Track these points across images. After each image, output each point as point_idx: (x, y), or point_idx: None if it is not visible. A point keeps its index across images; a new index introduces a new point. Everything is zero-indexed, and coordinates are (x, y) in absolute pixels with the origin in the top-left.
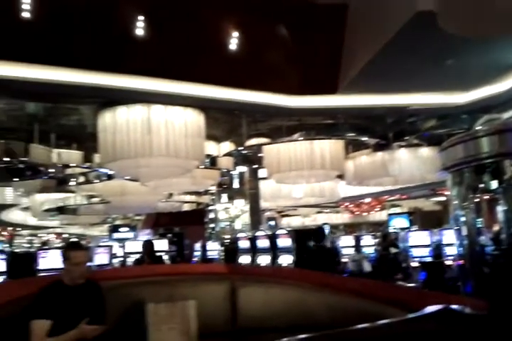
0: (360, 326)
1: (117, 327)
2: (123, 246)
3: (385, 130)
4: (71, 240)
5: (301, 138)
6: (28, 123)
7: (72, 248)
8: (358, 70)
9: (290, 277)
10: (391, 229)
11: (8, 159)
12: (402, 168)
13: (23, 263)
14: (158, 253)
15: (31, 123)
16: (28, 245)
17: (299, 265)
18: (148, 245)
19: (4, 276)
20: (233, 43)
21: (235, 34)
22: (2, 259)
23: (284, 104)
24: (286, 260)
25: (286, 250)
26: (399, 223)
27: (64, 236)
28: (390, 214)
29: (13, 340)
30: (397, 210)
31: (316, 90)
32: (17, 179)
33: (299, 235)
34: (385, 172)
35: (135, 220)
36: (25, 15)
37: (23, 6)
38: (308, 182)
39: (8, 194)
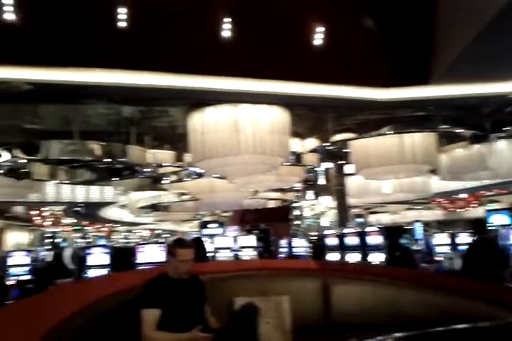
0: (461, 326)
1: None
2: (212, 242)
3: (482, 121)
4: (178, 237)
5: (391, 132)
6: (124, 126)
7: (179, 245)
8: (452, 58)
9: (384, 275)
10: (490, 227)
11: (108, 160)
12: (501, 160)
13: (122, 257)
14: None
15: (128, 126)
16: (124, 240)
17: (391, 263)
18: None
19: (108, 269)
20: (318, 38)
21: (320, 28)
22: (106, 253)
23: (372, 98)
24: (376, 258)
25: (376, 248)
26: (498, 220)
27: (157, 232)
28: (488, 211)
29: (123, 329)
30: (496, 206)
31: (406, 81)
32: (116, 178)
33: (391, 232)
34: (482, 165)
35: (222, 217)
36: (121, 24)
37: (119, 16)
38: (398, 177)
39: (108, 192)
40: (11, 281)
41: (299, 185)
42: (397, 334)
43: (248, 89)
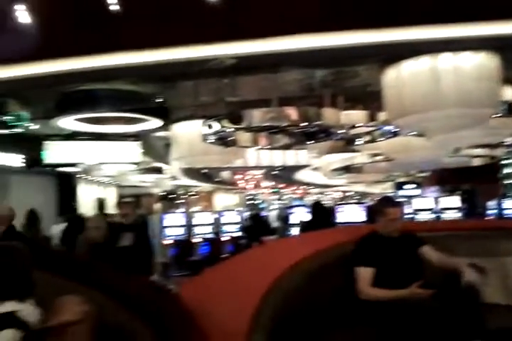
0: None
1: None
2: (410, 203)
3: None
4: (385, 196)
5: None
6: (317, 90)
7: (388, 204)
8: None
9: None
10: None
11: (304, 124)
12: None
13: (322, 216)
14: None
15: (320, 89)
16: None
17: None
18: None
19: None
20: None
21: None
22: (308, 212)
23: None
24: None
25: None
26: None
27: (348, 193)
28: None
29: (334, 284)
30: None
31: None
32: (311, 142)
33: None
34: None
35: (417, 177)
36: None
37: None
38: None
39: (302, 156)
40: (224, 237)
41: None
42: None
43: (448, 35)
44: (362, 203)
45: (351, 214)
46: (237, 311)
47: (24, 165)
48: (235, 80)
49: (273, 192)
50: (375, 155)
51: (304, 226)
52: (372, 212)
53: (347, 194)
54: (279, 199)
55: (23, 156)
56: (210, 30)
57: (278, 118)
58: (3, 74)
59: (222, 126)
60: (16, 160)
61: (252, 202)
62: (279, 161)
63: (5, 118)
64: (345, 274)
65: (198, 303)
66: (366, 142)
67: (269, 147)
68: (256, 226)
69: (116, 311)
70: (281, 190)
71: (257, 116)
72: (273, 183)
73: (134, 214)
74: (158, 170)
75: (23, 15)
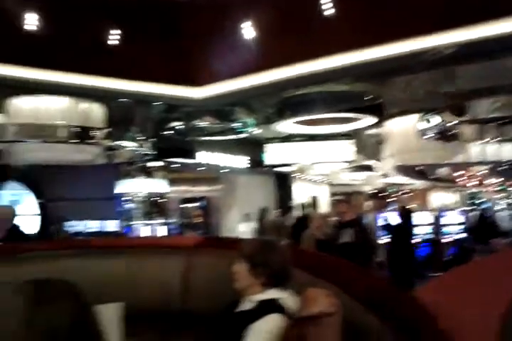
0: None
1: None
2: None
3: None
4: None
5: None
6: None
7: None
8: None
9: None
10: None
11: None
12: None
13: None
14: None
15: None
16: None
17: None
18: None
19: None
20: None
21: None
22: None
23: None
24: None
25: None
26: None
27: None
28: None
29: None
30: None
31: None
32: None
33: None
34: None
35: None
36: None
37: None
38: None
39: None
40: (445, 239)
41: None
42: None
43: None
44: None
45: None
46: (484, 316)
47: (248, 166)
48: (453, 70)
49: (499, 190)
50: None
51: None
52: None
53: None
54: (507, 198)
55: (248, 158)
56: (427, 21)
57: (507, 108)
58: (231, 87)
59: (443, 120)
60: (242, 162)
61: (473, 200)
62: (508, 155)
63: (233, 125)
64: None
65: (439, 305)
66: None
67: (496, 140)
68: (483, 228)
69: (356, 309)
70: (509, 188)
71: (482, 106)
72: (500, 180)
73: (350, 211)
74: (368, 168)
75: (247, 31)
